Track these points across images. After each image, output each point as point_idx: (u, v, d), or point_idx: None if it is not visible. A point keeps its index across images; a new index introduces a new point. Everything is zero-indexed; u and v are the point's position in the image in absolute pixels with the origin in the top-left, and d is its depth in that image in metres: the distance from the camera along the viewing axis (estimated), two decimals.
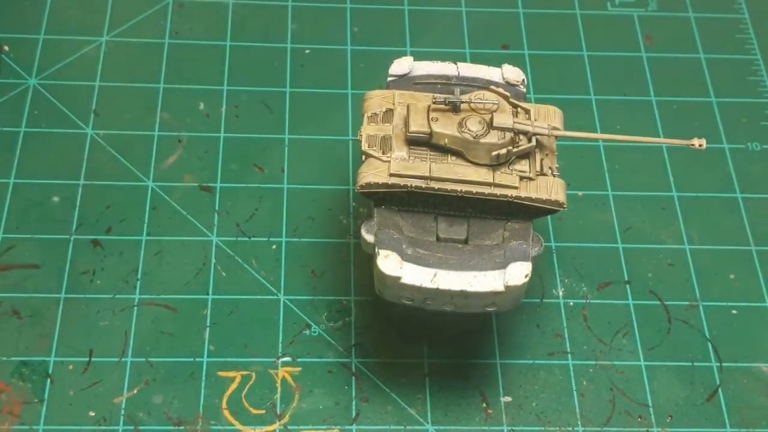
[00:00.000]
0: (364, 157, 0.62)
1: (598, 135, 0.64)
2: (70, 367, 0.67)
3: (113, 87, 0.80)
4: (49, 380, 0.66)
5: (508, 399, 0.68)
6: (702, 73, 0.85)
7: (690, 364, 0.70)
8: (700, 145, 0.62)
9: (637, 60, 0.86)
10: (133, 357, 0.68)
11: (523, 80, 0.66)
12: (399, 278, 0.59)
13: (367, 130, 0.63)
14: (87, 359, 0.67)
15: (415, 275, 0.59)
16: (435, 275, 0.59)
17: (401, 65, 0.66)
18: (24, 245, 0.71)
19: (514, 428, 0.66)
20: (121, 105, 0.79)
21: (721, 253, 0.75)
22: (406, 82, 0.66)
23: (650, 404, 0.68)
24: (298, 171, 0.77)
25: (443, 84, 0.65)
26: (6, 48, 0.81)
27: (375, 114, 0.63)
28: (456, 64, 0.67)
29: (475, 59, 0.83)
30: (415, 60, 0.67)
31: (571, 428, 0.67)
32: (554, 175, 0.61)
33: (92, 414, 0.65)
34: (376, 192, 0.61)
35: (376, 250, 0.60)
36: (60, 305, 0.69)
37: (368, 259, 0.62)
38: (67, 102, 0.79)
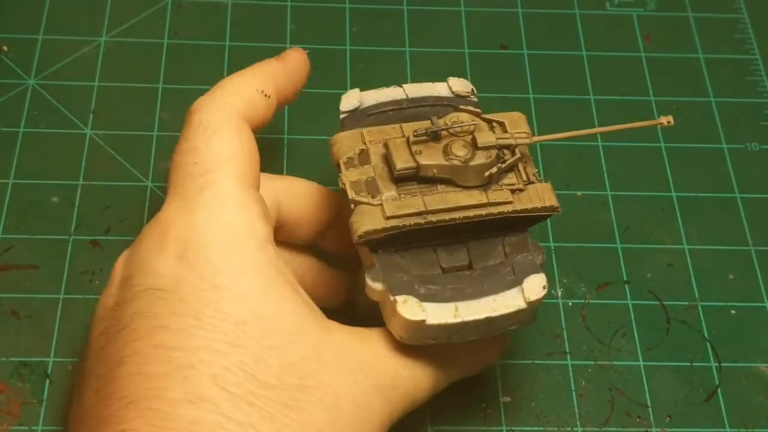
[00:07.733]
0: (353, 206, 0.58)
1: (572, 133, 0.62)
2: (70, 367, 0.67)
3: (112, 87, 0.80)
4: (48, 381, 0.66)
5: (507, 399, 0.68)
6: (701, 73, 0.85)
7: (689, 364, 0.70)
8: (668, 122, 0.60)
9: (636, 60, 0.86)
10: None
11: (473, 90, 0.64)
12: (423, 321, 0.55)
13: (348, 176, 0.58)
14: None
15: (438, 314, 0.56)
16: (456, 309, 0.56)
17: (350, 99, 0.63)
18: (23, 246, 0.71)
19: (512, 428, 0.66)
20: (121, 105, 0.79)
21: (720, 253, 0.75)
22: (359, 115, 0.62)
23: (649, 404, 0.68)
24: (297, 172, 0.77)
25: (395, 110, 0.62)
26: (5, 48, 0.81)
27: (350, 158, 0.59)
28: (402, 86, 0.64)
29: (474, 59, 0.83)
30: (361, 90, 0.64)
31: (569, 428, 0.67)
32: (539, 181, 0.60)
33: None
34: (374, 238, 0.57)
35: (391, 297, 0.56)
36: (59, 306, 0.69)
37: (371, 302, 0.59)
38: (66, 102, 0.78)
